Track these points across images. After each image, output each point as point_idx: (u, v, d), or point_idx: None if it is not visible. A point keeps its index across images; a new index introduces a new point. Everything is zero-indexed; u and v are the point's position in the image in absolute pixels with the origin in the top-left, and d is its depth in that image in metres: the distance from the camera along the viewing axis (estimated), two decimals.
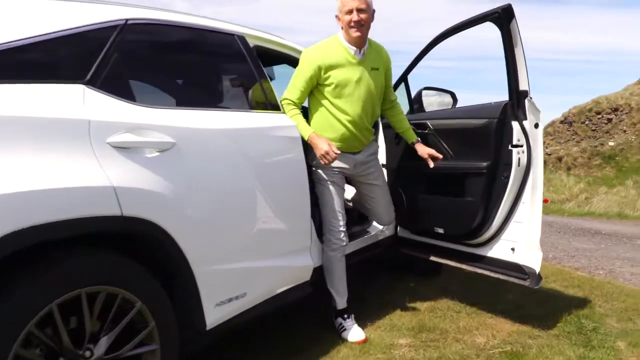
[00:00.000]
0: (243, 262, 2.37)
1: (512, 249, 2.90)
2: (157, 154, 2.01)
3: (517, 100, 2.79)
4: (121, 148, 1.89)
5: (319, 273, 2.90)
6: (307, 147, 2.72)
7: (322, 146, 2.66)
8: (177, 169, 2.06)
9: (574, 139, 26.14)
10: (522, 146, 2.80)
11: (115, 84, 2.04)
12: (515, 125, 2.80)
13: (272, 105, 2.69)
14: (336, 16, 2.79)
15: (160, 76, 2.43)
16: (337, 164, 2.81)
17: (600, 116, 25.96)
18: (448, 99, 3.61)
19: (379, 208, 3.15)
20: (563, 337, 2.86)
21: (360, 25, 2.69)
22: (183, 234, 2.04)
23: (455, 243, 3.21)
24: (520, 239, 2.86)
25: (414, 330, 2.98)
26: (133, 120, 1.98)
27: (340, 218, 2.89)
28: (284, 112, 2.73)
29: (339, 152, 2.67)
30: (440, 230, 3.20)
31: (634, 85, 26.51)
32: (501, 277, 2.96)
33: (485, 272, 3.05)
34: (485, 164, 2.90)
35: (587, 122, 26.16)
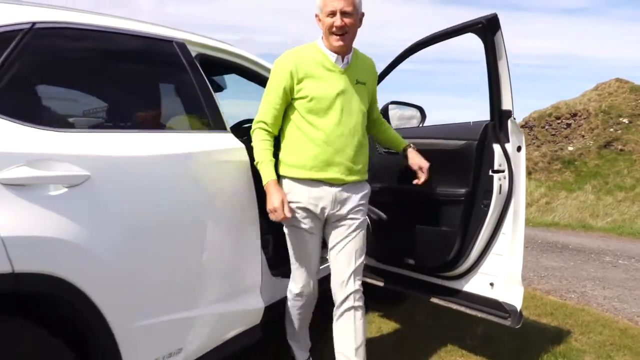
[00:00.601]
0: (176, 313, 2.00)
1: (491, 284, 2.61)
2: (65, 190, 1.62)
3: (499, 121, 2.51)
4: (15, 185, 1.51)
5: (273, 311, 2.55)
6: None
7: (272, 200, 2.16)
8: (91, 207, 1.68)
9: (534, 143, 26.59)
10: (503, 171, 2.52)
11: (14, 103, 1.65)
12: (496, 148, 2.52)
13: (215, 123, 2.32)
14: (316, 15, 2.26)
15: (74, 92, 2.02)
16: (308, 199, 2.26)
17: (559, 121, 26.50)
18: (415, 114, 3.32)
19: (344, 264, 2.32)
20: None
21: (343, 31, 2.18)
22: (98, 288, 1.67)
23: (427, 275, 2.91)
24: (500, 272, 2.59)
25: None
26: (34, 149, 1.59)
27: (304, 270, 2.37)
28: (251, 138, 2.33)
29: (289, 215, 2.18)
30: (411, 261, 2.90)
31: (592, 92, 27.16)
32: (479, 314, 2.68)
33: (460, 308, 2.76)
34: (463, 190, 2.61)
35: (547, 127, 26.67)
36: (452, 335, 3.19)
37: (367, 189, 2.41)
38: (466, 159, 2.61)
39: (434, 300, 2.88)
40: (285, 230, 2.34)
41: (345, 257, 2.31)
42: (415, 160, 2.53)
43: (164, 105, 2.31)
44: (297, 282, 2.39)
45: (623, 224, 9.48)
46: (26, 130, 1.61)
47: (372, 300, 3.63)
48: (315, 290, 2.44)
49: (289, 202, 2.24)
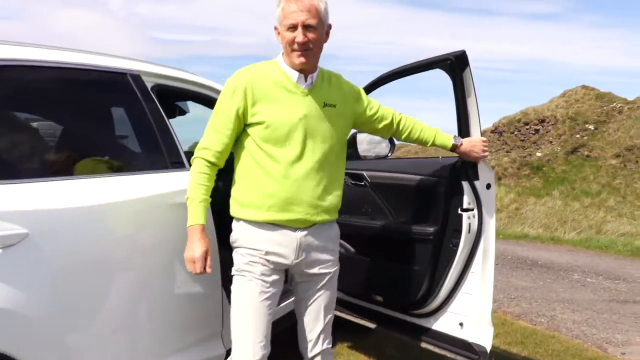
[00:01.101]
0: None
1: (461, 324, 2.54)
2: (0, 251, 1.48)
3: None
4: None
5: None
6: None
7: (192, 248, 1.84)
8: (30, 269, 1.54)
9: (504, 148, 27.01)
10: (472, 210, 2.45)
11: None
12: (465, 185, 2.45)
13: (173, 162, 2.18)
14: (275, 28, 1.95)
15: (11, 137, 1.86)
16: (267, 245, 1.91)
17: (528, 127, 27.00)
18: (384, 144, 3.22)
19: (313, 321, 2.04)
20: None
21: (306, 48, 1.86)
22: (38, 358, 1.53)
23: (395, 311, 2.83)
24: (469, 312, 2.52)
25: None
26: None
27: (251, 331, 1.88)
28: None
29: (209, 271, 1.86)
30: (379, 298, 2.81)
31: (559, 98, 27.75)
32: (448, 354, 2.61)
33: (429, 347, 2.68)
34: (432, 229, 2.53)
35: (516, 133, 27.13)
36: None
37: (337, 230, 2.09)
38: (435, 197, 2.54)
39: (403, 337, 2.80)
40: (234, 284, 1.95)
41: (314, 314, 2.03)
42: (470, 155, 2.29)
43: (117, 144, 2.17)
44: (236, 347, 1.91)
45: (590, 235, 9.63)
46: None
47: (341, 331, 3.56)
48: (264, 352, 1.91)
49: (240, 248, 1.94)
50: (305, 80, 1.93)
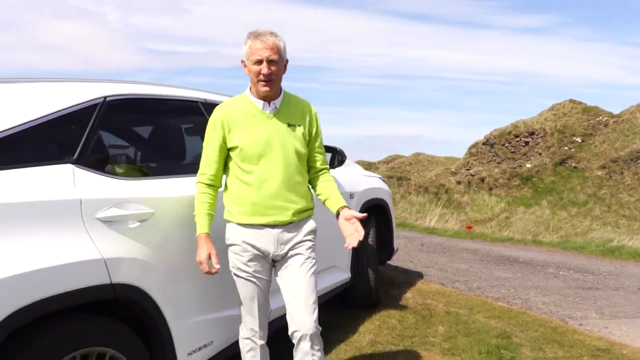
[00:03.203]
0: (210, 314, 2.63)
1: None
2: (138, 224, 2.25)
3: None
4: (108, 222, 2.13)
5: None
6: None
7: (199, 252, 2.28)
8: (155, 236, 2.31)
9: (495, 160, 27.71)
10: None
11: (99, 160, 2.27)
12: None
13: None
14: (242, 62, 2.36)
15: (136, 148, 2.66)
16: (251, 243, 2.37)
17: (518, 139, 27.67)
18: (336, 156, 3.67)
19: (296, 302, 2.37)
20: None
21: (270, 78, 2.28)
22: (161, 294, 2.29)
23: None
24: None
25: None
26: (117, 194, 2.21)
27: (250, 314, 2.46)
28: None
29: (214, 270, 2.28)
30: None
31: (548, 112, 28.57)
32: None
33: None
34: None
35: (506, 145, 27.80)
36: (418, 333, 3.88)
37: (311, 226, 2.47)
38: None
39: None
40: (232, 275, 2.43)
41: (297, 294, 2.37)
42: (345, 226, 2.37)
43: (197, 153, 2.95)
44: (245, 325, 2.48)
45: (571, 238, 10.44)
46: (110, 181, 2.23)
47: (348, 306, 4.33)
48: (263, 333, 2.49)
49: (232, 245, 2.40)
50: (270, 106, 2.36)
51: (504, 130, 28.19)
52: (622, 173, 22.87)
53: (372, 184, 4.53)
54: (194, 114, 2.91)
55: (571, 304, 4.92)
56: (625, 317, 4.53)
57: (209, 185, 2.39)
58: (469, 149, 28.95)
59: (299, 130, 2.41)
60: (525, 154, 26.72)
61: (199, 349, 2.56)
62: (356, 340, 3.74)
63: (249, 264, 2.39)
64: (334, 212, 2.44)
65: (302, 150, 2.41)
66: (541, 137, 26.69)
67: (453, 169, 27.74)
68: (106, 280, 2.04)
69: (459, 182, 25.12)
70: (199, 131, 3.05)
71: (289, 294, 2.40)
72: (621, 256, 7.53)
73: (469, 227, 11.84)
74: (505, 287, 5.48)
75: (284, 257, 2.42)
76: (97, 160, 2.26)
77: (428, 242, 8.62)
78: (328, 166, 2.59)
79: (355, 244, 2.31)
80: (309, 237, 2.45)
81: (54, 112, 2.18)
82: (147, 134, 2.68)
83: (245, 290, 2.42)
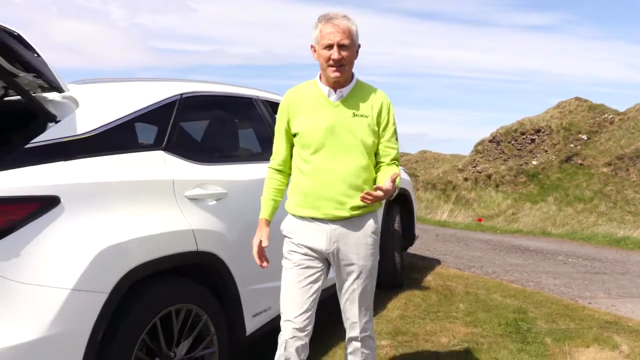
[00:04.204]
0: (270, 283, 3.02)
1: None
2: (215, 202, 2.65)
3: None
4: (194, 199, 2.53)
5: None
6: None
7: (254, 237, 2.30)
8: (229, 213, 2.71)
9: (501, 157, 27.98)
10: None
11: (181, 147, 2.67)
12: None
13: None
14: (311, 47, 2.25)
15: (209, 137, 3.07)
16: (301, 237, 2.25)
17: (524, 136, 27.91)
18: None
19: (350, 308, 2.31)
20: (505, 336, 3.69)
21: (340, 64, 2.15)
22: (233, 262, 2.69)
23: None
24: None
25: (391, 334, 3.72)
26: (198, 177, 2.62)
27: (288, 307, 2.26)
28: None
29: (265, 264, 2.30)
30: None
31: (554, 109, 28.82)
32: None
33: None
34: None
35: (513, 142, 28.05)
36: (441, 309, 4.27)
37: (373, 226, 2.28)
38: None
39: None
40: (283, 263, 2.34)
41: (350, 302, 2.30)
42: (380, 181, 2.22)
43: (259, 143, 3.36)
44: (283, 316, 2.27)
45: (578, 231, 10.80)
46: (192, 165, 2.63)
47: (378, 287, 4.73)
48: (302, 326, 2.23)
49: (286, 237, 2.31)
50: (335, 93, 2.24)
51: (510, 127, 28.48)
52: (627, 170, 23.10)
53: None
54: (251, 108, 3.32)
55: (580, 286, 5.30)
56: (630, 296, 4.91)
57: (278, 171, 2.38)
58: (475, 146, 29.30)
59: (365, 121, 2.23)
60: (531, 151, 26.99)
61: (260, 312, 2.97)
62: (386, 315, 4.14)
63: (300, 258, 2.26)
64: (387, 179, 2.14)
65: (368, 142, 2.23)
66: (547, 134, 26.94)
67: (460, 166, 28.05)
68: (194, 248, 2.45)
69: (466, 179, 25.45)
70: (254, 123, 3.46)
71: (342, 296, 2.32)
72: (627, 246, 7.90)
73: (480, 220, 12.21)
74: (518, 272, 5.87)
75: (341, 261, 2.25)
76: (180, 147, 2.66)
77: (442, 233, 9.02)
78: (397, 162, 2.33)
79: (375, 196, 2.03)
80: (370, 239, 2.27)
81: (146, 107, 2.58)
82: (217, 125, 3.09)
83: (289, 281, 2.28)
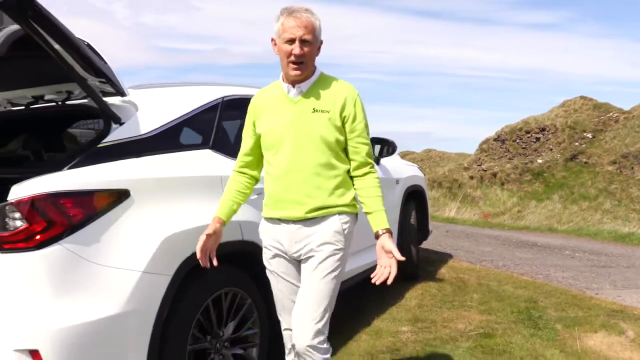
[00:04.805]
0: None
1: None
2: (256, 196, 2.90)
3: None
4: None
5: None
6: None
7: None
8: None
9: (506, 155, 28.11)
10: None
11: (224, 146, 2.93)
12: None
13: None
14: (272, 40, 2.13)
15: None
16: (269, 240, 2.24)
17: (529, 135, 28.01)
18: (386, 147, 4.35)
19: (297, 310, 2.13)
20: (518, 322, 3.94)
21: (301, 61, 2.05)
22: None
23: None
24: None
25: (411, 321, 3.97)
26: None
27: (281, 311, 2.30)
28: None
29: (198, 256, 2.15)
30: None
31: (559, 108, 28.93)
32: None
33: None
34: None
35: (517, 141, 28.16)
36: (457, 299, 4.53)
37: (336, 226, 2.13)
38: None
39: None
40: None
41: (302, 303, 2.11)
42: (381, 255, 2.09)
43: None
44: (281, 324, 2.35)
45: (584, 227, 11.04)
46: (234, 162, 2.89)
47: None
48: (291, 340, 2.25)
49: (263, 243, 2.29)
50: (294, 89, 2.13)
51: (515, 126, 28.61)
52: (632, 168, 23.20)
53: (413, 171, 5.19)
54: None
55: (587, 278, 5.54)
56: (636, 288, 5.15)
57: (241, 173, 2.33)
58: (480, 145, 29.46)
59: (326, 116, 2.10)
60: (536, 150, 27.12)
61: None
62: (404, 304, 4.39)
63: (271, 260, 2.27)
64: (374, 230, 2.12)
65: (330, 139, 2.10)
66: (552, 133, 27.04)
67: (465, 165, 28.23)
68: (239, 237, 2.71)
69: (471, 177, 25.65)
70: None
71: (297, 301, 2.15)
72: (632, 242, 8.13)
73: (487, 216, 12.46)
74: (527, 265, 6.12)
75: (304, 260, 2.16)
76: (223, 146, 2.91)
77: (451, 230, 9.28)
78: (372, 161, 2.21)
79: (379, 282, 2.07)
80: (332, 239, 2.12)
81: (195, 110, 2.85)
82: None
83: (273, 286, 2.31)
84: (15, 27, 2.29)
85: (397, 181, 4.70)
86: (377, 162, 4.37)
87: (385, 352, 3.40)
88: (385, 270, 2.07)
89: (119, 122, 2.48)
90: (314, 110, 2.11)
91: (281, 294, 2.26)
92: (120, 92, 2.54)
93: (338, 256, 2.14)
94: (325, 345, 2.09)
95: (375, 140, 4.39)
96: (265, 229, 2.27)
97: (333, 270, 2.12)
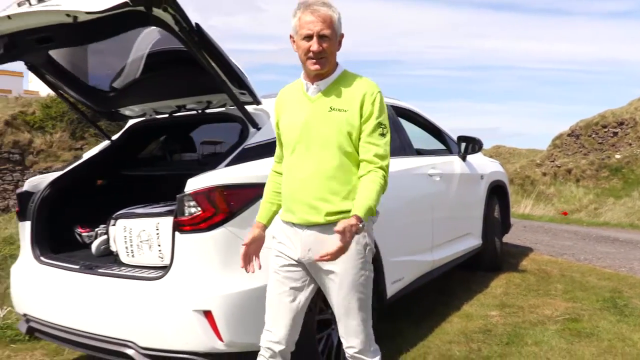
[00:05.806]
0: (402, 257, 3.68)
1: None
2: None
3: None
4: None
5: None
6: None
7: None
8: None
9: (581, 151, 27.21)
10: None
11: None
12: None
13: (414, 150, 4.10)
14: (290, 37, 2.06)
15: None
16: (281, 243, 2.13)
17: (606, 130, 26.99)
18: (472, 144, 4.68)
19: (340, 324, 2.11)
20: (604, 310, 4.15)
21: (321, 56, 1.97)
22: (379, 237, 3.32)
23: None
24: None
25: (498, 307, 4.27)
26: None
27: (268, 321, 2.15)
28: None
29: (250, 269, 2.14)
30: None
31: (639, 101, 27.68)
32: None
33: None
34: None
35: (593, 136, 27.20)
36: (541, 288, 4.77)
37: (360, 240, 2.02)
38: None
39: None
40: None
41: (337, 314, 2.10)
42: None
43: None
44: (265, 328, 2.16)
45: None
46: None
47: (479, 269, 5.26)
48: (278, 339, 2.11)
49: (274, 241, 2.18)
50: (313, 87, 2.05)
51: (591, 121, 27.63)
52: None
53: (495, 167, 5.46)
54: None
55: None
56: None
57: (277, 173, 2.25)
58: (553, 140, 28.63)
59: (343, 115, 2.00)
60: (613, 145, 26.11)
61: (397, 280, 3.62)
62: (490, 292, 4.69)
63: (283, 265, 2.13)
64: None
65: (343, 141, 2.01)
66: (631, 127, 25.94)
67: (538, 161, 27.57)
68: None
69: (544, 174, 25.07)
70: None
71: (336, 314, 2.12)
72: None
73: (565, 213, 12.34)
74: (610, 259, 6.22)
75: (318, 269, 2.06)
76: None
77: (529, 225, 9.36)
78: (382, 162, 2.04)
79: (324, 257, 1.89)
80: (351, 249, 1.95)
81: None
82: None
83: (272, 289, 2.16)
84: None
85: (482, 177, 5.00)
86: (464, 158, 4.69)
87: (478, 333, 3.73)
88: (333, 247, 1.87)
89: (257, 127, 2.96)
90: (331, 109, 2.02)
91: (275, 297, 2.14)
92: (256, 101, 3.02)
93: (362, 266, 2.07)
94: (373, 348, 2.13)
95: (461, 138, 4.71)
96: (277, 229, 2.18)
97: (359, 282, 2.07)
